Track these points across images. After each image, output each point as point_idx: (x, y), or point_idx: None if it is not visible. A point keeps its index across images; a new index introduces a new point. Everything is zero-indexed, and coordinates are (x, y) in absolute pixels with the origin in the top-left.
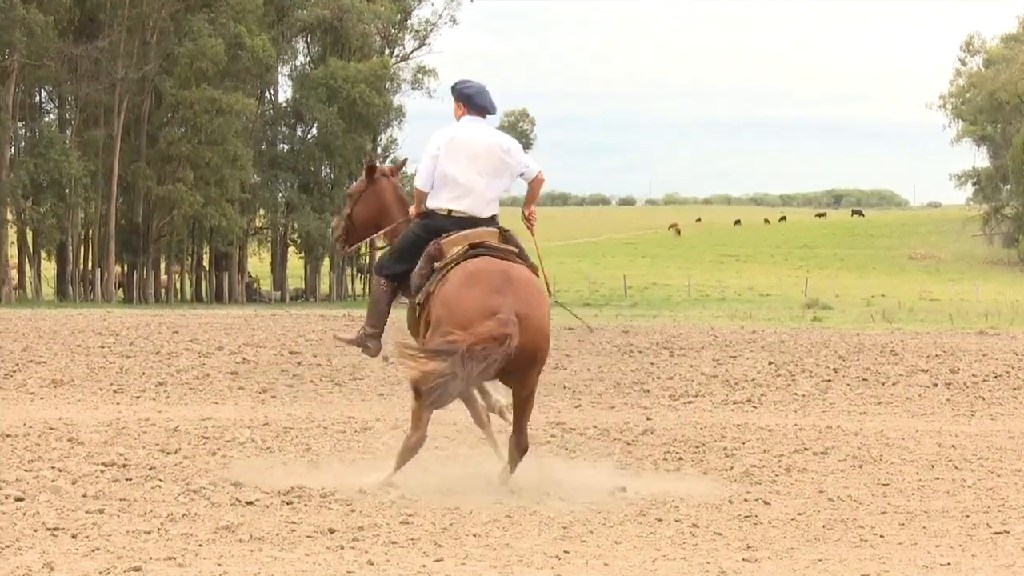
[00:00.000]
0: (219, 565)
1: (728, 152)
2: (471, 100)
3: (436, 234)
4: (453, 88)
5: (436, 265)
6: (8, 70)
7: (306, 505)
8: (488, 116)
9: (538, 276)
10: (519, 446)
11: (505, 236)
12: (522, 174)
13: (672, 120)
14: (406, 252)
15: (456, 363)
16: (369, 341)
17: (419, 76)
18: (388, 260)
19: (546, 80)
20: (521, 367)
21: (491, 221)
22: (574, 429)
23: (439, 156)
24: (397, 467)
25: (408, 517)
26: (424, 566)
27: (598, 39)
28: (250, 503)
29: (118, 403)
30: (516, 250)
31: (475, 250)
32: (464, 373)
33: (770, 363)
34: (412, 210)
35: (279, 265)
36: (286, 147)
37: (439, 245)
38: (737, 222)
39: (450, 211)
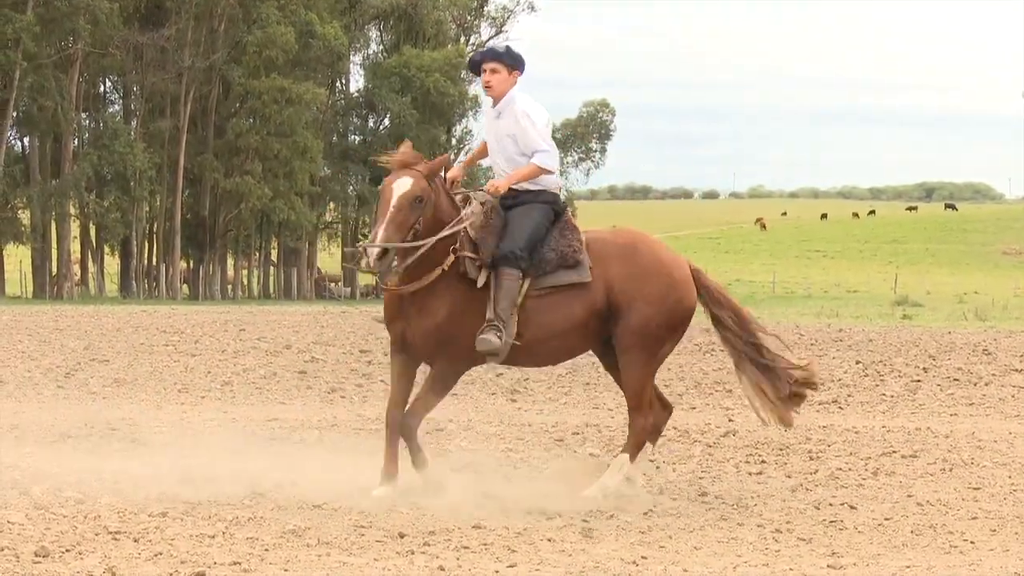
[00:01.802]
0: (285, 570)
1: (816, 144)
2: (484, 58)
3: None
4: (520, 57)
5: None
6: (72, 59)
7: (376, 508)
8: (516, 70)
9: None
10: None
11: None
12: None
13: (758, 111)
14: (538, 240)
15: None
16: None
17: None
18: (521, 250)
19: (626, 70)
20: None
21: None
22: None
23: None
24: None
25: (481, 521)
26: (497, 572)
27: (679, 27)
28: (318, 507)
29: (182, 403)
30: None
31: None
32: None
33: (857, 362)
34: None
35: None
36: (357, 139)
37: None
38: (824, 216)
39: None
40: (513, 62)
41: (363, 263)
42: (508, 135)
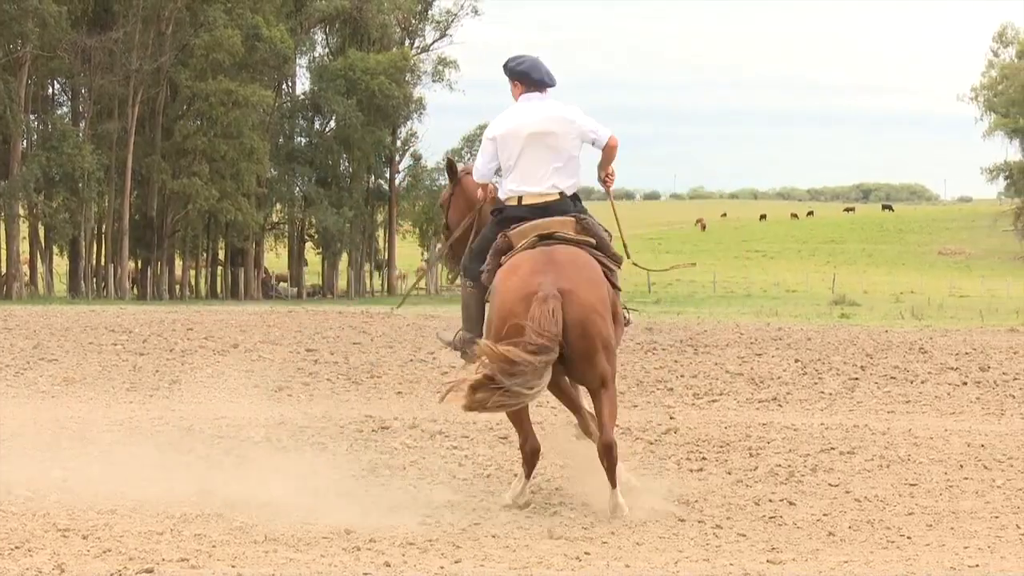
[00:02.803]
0: (233, 567)
1: (755, 145)
2: (526, 76)
3: (508, 226)
4: (505, 68)
5: (503, 259)
6: (20, 61)
7: (322, 505)
8: (548, 90)
9: (620, 263)
10: (603, 447)
11: (583, 225)
12: (593, 141)
13: (698, 113)
14: (484, 250)
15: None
16: (468, 347)
17: (440, 68)
18: (468, 260)
19: (568, 72)
20: (577, 350)
21: (564, 204)
22: (618, 426)
23: (497, 142)
24: (525, 476)
25: (426, 518)
26: (442, 567)
27: (618, 29)
28: (265, 503)
29: (131, 402)
30: (593, 240)
31: (543, 241)
32: (522, 377)
33: (796, 361)
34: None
35: (296, 261)
36: (304, 140)
37: (507, 237)
38: (763, 217)
39: (520, 198)
40: (508, 75)
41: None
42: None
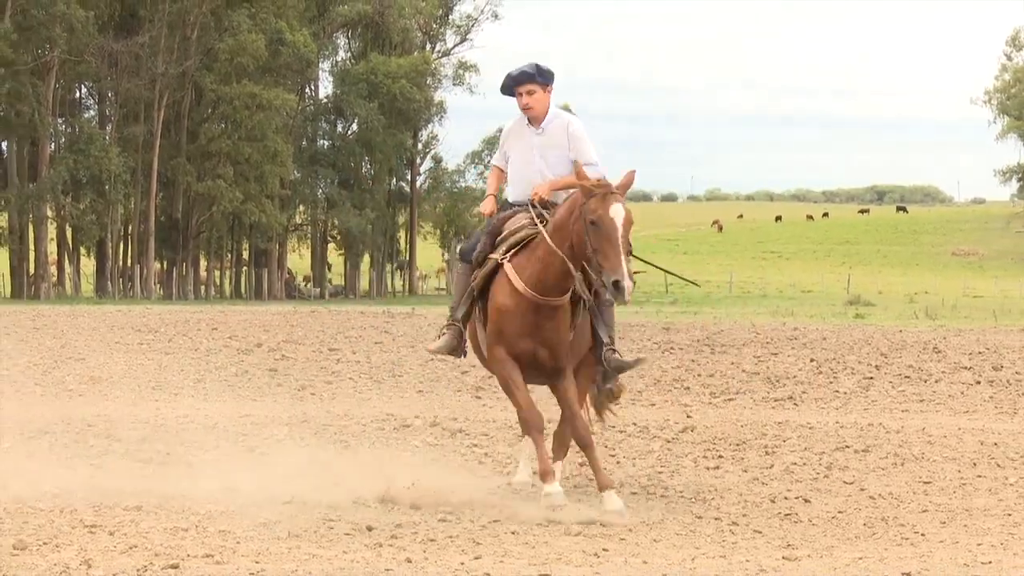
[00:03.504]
0: (256, 563)
1: (771, 148)
2: (518, 82)
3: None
4: (550, 72)
5: (497, 240)
6: (48, 66)
7: (344, 502)
8: (548, 86)
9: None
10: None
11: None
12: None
13: (715, 115)
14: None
15: None
16: (449, 330)
17: (460, 72)
18: (468, 244)
19: (587, 75)
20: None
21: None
22: (613, 427)
23: (504, 144)
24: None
25: (446, 515)
26: (462, 564)
27: (640, 33)
28: (288, 501)
29: (156, 400)
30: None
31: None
32: None
33: (812, 360)
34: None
35: (319, 261)
36: (326, 143)
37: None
38: (778, 218)
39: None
40: (545, 80)
41: (627, 299)
42: (553, 147)
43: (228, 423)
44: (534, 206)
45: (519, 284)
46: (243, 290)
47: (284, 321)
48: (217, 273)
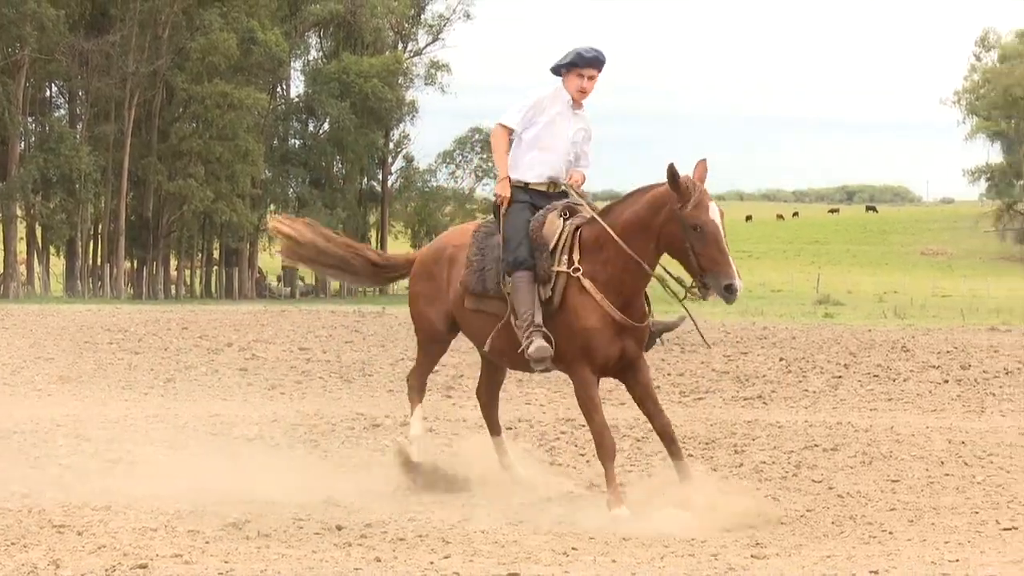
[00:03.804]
0: (225, 562)
1: (741, 148)
2: (590, 64)
3: None
4: (562, 67)
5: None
6: (18, 65)
7: (314, 502)
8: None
9: None
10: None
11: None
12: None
13: (684, 115)
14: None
15: None
16: (538, 335)
17: (432, 71)
18: (520, 253)
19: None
20: None
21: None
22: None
23: (533, 110)
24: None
25: (416, 514)
26: (432, 563)
27: (610, 33)
28: (257, 500)
29: (126, 400)
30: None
31: None
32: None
33: (781, 359)
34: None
35: None
36: (298, 142)
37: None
38: (749, 218)
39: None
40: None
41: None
42: (583, 129)
43: (198, 423)
44: (546, 196)
45: (604, 302)
46: (214, 289)
47: (255, 320)
48: (188, 272)
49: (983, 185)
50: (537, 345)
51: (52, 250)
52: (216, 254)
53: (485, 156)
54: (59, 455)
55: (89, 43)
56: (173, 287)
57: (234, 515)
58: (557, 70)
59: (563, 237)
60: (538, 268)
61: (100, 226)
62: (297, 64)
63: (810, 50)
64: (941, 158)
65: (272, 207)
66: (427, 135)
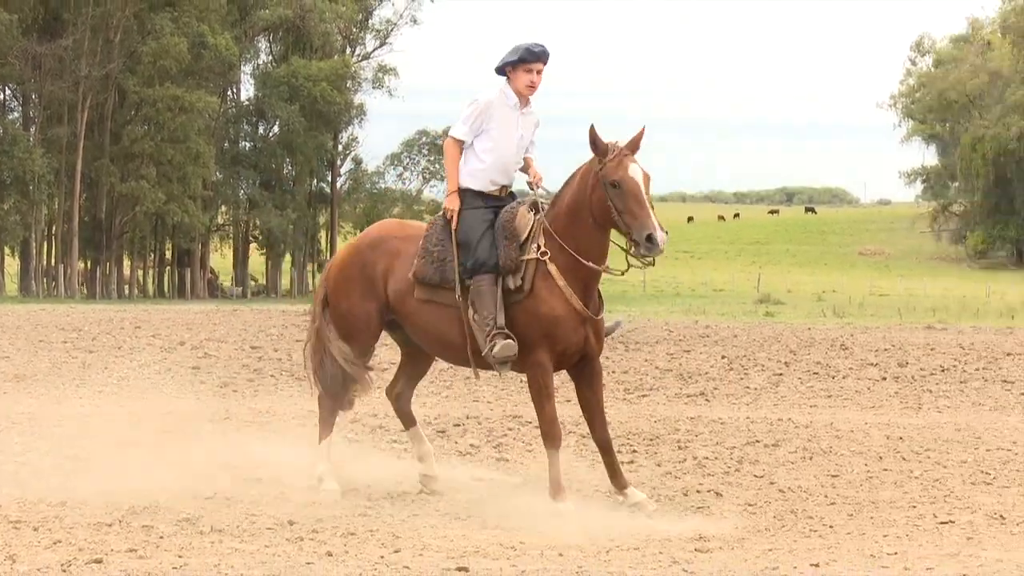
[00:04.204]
0: (180, 557)
1: (683, 151)
2: (538, 58)
3: None
4: (507, 64)
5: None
6: None
7: (266, 497)
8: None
9: None
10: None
11: None
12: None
13: (627, 119)
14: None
15: None
16: (501, 336)
17: (380, 75)
18: (483, 255)
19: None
20: None
21: None
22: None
23: (480, 119)
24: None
25: (366, 509)
26: (382, 557)
27: (553, 38)
28: (210, 497)
29: (80, 397)
30: None
31: None
32: None
33: (723, 357)
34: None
35: (240, 261)
36: (248, 145)
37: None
38: (690, 219)
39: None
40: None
41: (661, 248)
42: (529, 132)
43: (152, 420)
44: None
45: (567, 288)
46: (166, 289)
47: (207, 320)
48: (140, 273)
49: (919, 187)
50: (502, 344)
51: (7, 251)
52: (168, 255)
53: (432, 158)
54: (14, 452)
55: (42, 47)
56: (126, 287)
57: (188, 511)
58: (502, 69)
59: (533, 229)
60: (505, 260)
61: (54, 227)
62: (247, 68)
63: (751, 55)
64: (878, 161)
65: (223, 208)
66: (375, 138)
